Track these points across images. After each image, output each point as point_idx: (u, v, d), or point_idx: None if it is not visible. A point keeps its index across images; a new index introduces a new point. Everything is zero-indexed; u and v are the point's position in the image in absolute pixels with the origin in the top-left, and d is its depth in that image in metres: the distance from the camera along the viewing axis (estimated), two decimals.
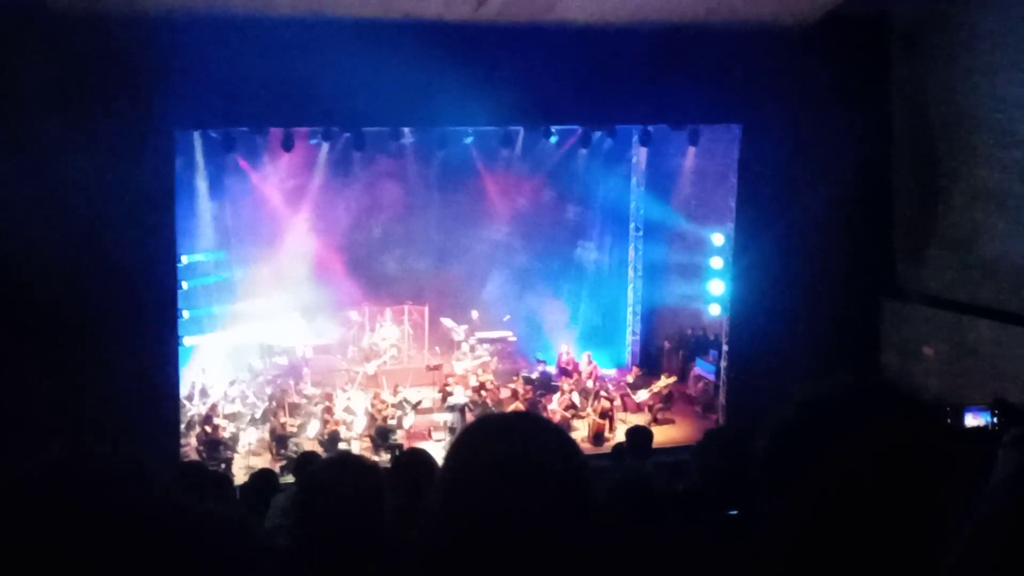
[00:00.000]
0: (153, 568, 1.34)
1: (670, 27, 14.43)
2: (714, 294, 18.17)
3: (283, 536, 3.65)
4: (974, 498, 1.63)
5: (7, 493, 1.38)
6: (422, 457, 5.17)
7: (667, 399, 17.78)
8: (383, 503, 3.16)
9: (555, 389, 17.69)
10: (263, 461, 14.96)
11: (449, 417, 16.32)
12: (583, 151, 18.74)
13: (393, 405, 16.36)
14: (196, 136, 16.42)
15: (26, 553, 1.31)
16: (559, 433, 1.91)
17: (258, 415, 16.40)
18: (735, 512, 4.50)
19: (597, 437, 16.34)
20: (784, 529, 1.63)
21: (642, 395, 17.72)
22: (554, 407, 16.99)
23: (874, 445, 1.57)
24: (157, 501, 1.43)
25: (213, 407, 15.83)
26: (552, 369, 18.67)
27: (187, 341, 15.92)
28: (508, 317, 19.98)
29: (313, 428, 16.00)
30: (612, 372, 19.53)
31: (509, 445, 1.80)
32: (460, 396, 16.50)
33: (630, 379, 18.50)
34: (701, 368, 18.42)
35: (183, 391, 15.54)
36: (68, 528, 1.33)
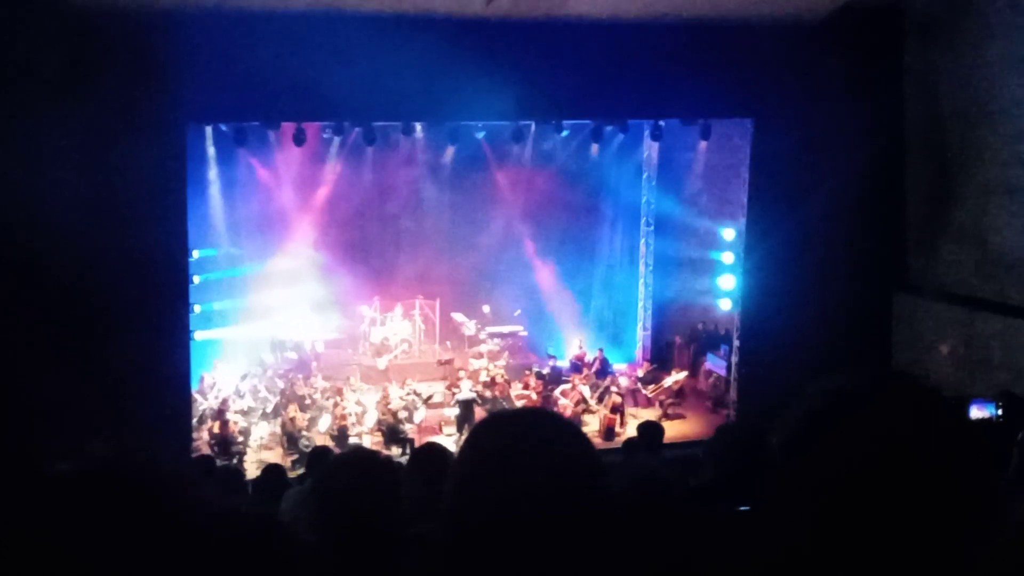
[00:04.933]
0: (192, 565, 1.35)
1: (682, 22, 14.41)
2: (725, 289, 18.16)
3: (298, 530, 3.66)
4: (986, 491, 1.62)
5: (58, 490, 1.39)
6: (439, 451, 5.19)
7: (678, 394, 17.77)
8: (399, 496, 3.18)
9: (566, 384, 17.69)
10: (275, 455, 15.01)
11: (457, 412, 16.33)
12: (595, 146, 18.74)
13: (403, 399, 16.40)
14: (208, 130, 16.46)
15: (72, 550, 1.32)
16: (571, 427, 1.92)
17: (269, 409, 16.44)
18: (747, 508, 4.50)
19: (608, 432, 16.33)
20: (802, 522, 1.62)
21: (649, 390, 17.75)
22: (565, 402, 16.99)
23: (894, 439, 1.57)
24: (195, 500, 1.44)
25: (224, 401, 15.88)
26: (564, 364, 18.67)
27: (198, 335, 15.96)
28: (519, 312, 19.99)
29: (324, 422, 16.03)
30: (623, 367, 19.52)
31: (521, 439, 1.81)
32: (466, 391, 16.49)
33: (640, 374, 18.50)
34: (712, 363, 18.39)
35: (194, 385, 15.58)
36: (114, 526, 1.33)
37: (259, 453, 15.44)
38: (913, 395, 1.63)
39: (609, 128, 17.46)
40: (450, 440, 15.32)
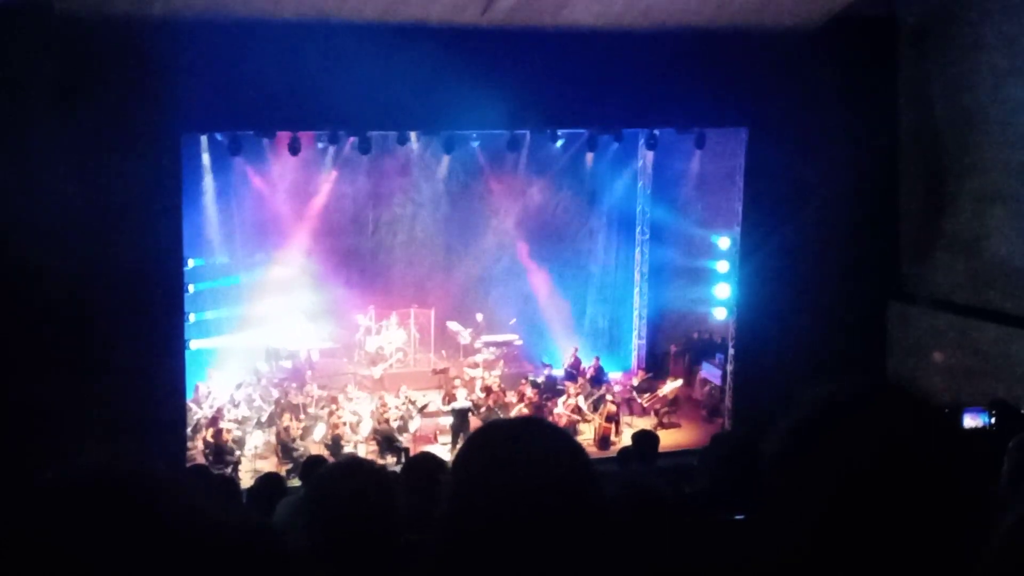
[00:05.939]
0: (185, 573, 1.34)
1: (677, 31, 14.44)
2: (720, 298, 18.16)
3: (293, 539, 3.65)
4: (980, 501, 1.62)
5: (51, 497, 1.38)
6: (433, 460, 5.19)
7: (673, 403, 17.76)
8: (394, 505, 3.18)
9: (561, 393, 17.67)
10: (269, 464, 14.98)
11: (452, 420, 16.30)
12: (590, 155, 18.75)
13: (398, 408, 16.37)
14: (203, 139, 16.44)
15: (64, 557, 1.31)
16: (565, 437, 1.92)
17: (264, 418, 16.39)
18: (742, 516, 4.50)
19: (603, 441, 16.31)
20: (794, 532, 1.63)
21: (644, 399, 17.74)
22: (560, 411, 16.97)
23: (886, 449, 1.57)
24: (189, 508, 1.44)
25: (219, 410, 15.84)
26: (559, 373, 18.65)
27: (193, 345, 15.93)
28: (514, 321, 19.98)
29: (319, 432, 16.00)
30: (618, 375, 19.50)
31: (516, 448, 1.82)
32: (462, 400, 16.47)
33: (636, 382, 18.48)
34: (707, 372, 18.39)
35: (189, 395, 15.55)
36: (107, 533, 1.33)
37: (254, 462, 15.40)
38: (904, 403, 1.64)
39: (604, 137, 17.47)
40: (445, 449, 15.30)
